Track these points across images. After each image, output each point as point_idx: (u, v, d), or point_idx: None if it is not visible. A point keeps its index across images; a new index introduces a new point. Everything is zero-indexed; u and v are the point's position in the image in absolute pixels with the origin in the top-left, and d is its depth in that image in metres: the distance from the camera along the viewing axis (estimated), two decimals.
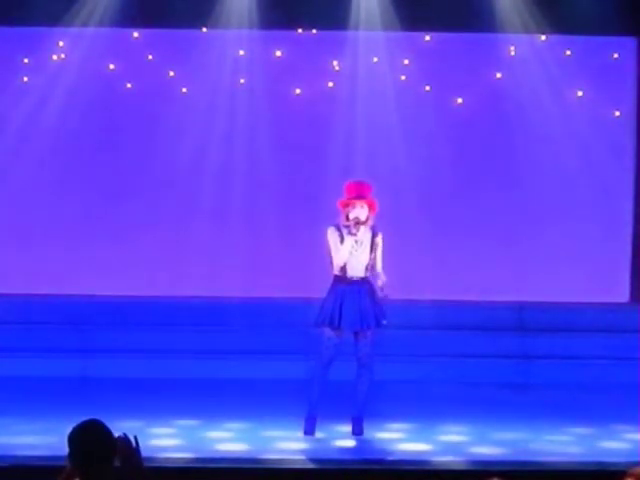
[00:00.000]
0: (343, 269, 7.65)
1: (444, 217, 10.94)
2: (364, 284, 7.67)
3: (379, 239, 7.67)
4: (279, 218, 10.81)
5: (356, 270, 7.65)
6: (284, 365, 9.53)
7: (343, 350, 7.72)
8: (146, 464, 4.10)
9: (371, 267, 7.68)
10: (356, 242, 7.58)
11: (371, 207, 7.60)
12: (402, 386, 9.32)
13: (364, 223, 7.57)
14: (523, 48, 10.89)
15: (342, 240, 7.58)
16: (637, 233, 11.11)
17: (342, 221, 7.63)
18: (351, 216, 7.55)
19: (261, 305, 10.43)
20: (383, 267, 7.70)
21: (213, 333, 10.06)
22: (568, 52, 10.92)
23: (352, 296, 7.62)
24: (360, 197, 7.56)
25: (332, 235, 7.61)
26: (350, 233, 7.56)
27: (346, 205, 7.60)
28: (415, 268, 10.44)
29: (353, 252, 7.60)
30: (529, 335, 10.26)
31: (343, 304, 7.60)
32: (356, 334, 7.69)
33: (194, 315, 10.26)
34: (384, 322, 7.69)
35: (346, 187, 7.64)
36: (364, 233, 7.63)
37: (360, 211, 7.55)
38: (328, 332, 7.65)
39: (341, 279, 7.67)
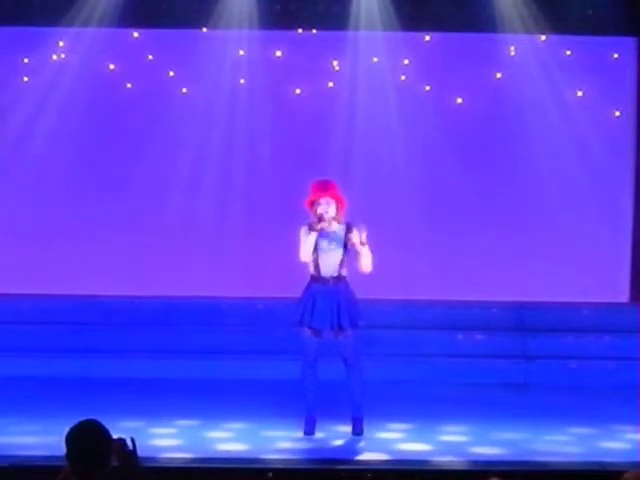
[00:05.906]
0: (317, 268, 7.59)
1: (444, 217, 10.93)
2: (338, 283, 7.60)
3: (354, 234, 7.48)
4: (279, 218, 10.80)
5: (329, 269, 7.58)
6: (284, 365, 9.50)
7: (330, 350, 7.70)
8: (146, 464, 4.11)
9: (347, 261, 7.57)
10: (328, 240, 7.52)
11: (338, 202, 7.54)
12: (402, 386, 9.31)
13: (329, 220, 7.47)
14: (523, 48, 10.88)
15: None
16: (637, 233, 11.11)
17: (313, 221, 7.59)
18: (318, 212, 7.52)
19: (261, 305, 10.43)
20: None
21: (213, 333, 10.06)
22: (568, 52, 10.91)
23: (325, 295, 7.56)
24: (324, 191, 7.50)
25: (303, 234, 7.53)
26: (313, 229, 7.49)
27: (312, 204, 7.57)
28: (415, 268, 10.44)
29: (325, 249, 7.55)
30: (529, 335, 10.26)
31: (315, 303, 7.56)
32: (335, 333, 7.64)
33: (194, 315, 10.27)
34: (360, 323, 7.64)
35: (310, 187, 7.60)
36: (336, 230, 7.58)
37: (325, 207, 7.50)
38: (307, 331, 7.63)
39: (315, 278, 7.61)
